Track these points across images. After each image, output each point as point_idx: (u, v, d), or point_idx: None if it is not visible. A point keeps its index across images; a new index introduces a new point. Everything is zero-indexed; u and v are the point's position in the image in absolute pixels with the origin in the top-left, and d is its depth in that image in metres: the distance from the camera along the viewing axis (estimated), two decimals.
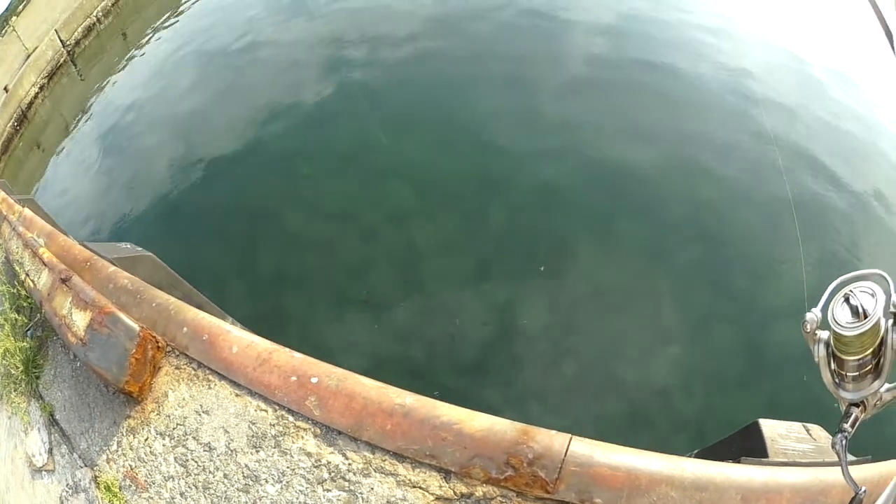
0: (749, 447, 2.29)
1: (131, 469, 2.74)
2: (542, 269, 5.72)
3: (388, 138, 6.90)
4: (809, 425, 2.51)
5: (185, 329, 2.33)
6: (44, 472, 3.27)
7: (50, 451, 3.28)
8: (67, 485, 3.08)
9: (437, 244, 5.99)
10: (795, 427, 2.45)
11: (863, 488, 1.22)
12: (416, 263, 5.89)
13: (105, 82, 10.69)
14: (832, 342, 1.17)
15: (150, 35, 11.69)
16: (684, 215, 6.21)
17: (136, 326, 2.47)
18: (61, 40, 11.82)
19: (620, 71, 7.98)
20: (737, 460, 2.10)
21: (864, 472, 1.87)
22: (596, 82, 7.76)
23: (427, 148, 6.93)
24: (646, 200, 6.34)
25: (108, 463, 2.85)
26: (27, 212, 4.13)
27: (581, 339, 5.40)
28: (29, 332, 3.56)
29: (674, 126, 7.17)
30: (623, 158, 6.71)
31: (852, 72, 9.48)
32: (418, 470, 1.94)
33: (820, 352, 1.21)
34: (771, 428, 2.38)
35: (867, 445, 2.13)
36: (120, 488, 2.76)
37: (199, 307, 2.46)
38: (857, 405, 1.22)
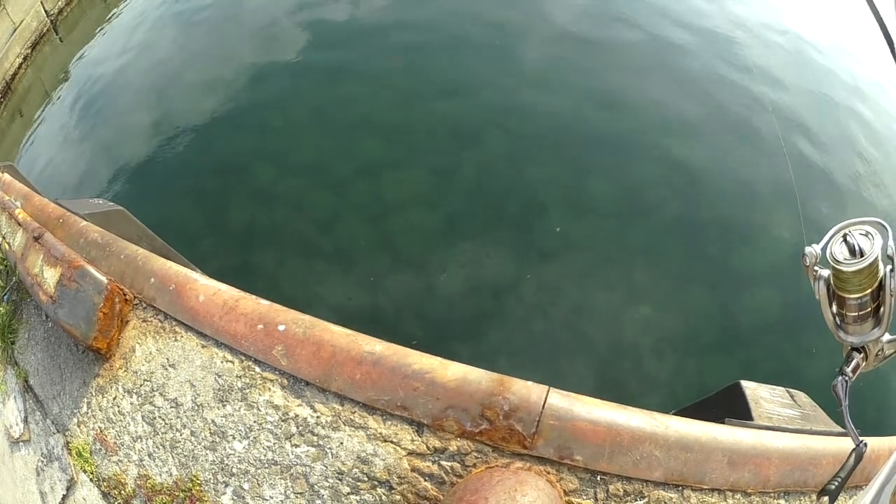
0: (732, 409, 2.24)
1: (101, 431, 2.67)
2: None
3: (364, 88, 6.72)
4: (793, 391, 2.46)
5: (152, 280, 2.24)
6: (21, 444, 3.20)
7: (25, 420, 3.21)
8: (42, 454, 3.03)
9: (407, 198, 5.87)
10: (779, 391, 2.40)
11: (863, 441, 1.19)
12: (385, 217, 5.79)
13: (85, 47, 10.50)
14: (832, 280, 1.20)
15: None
16: (659, 175, 6.11)
17: (104, 279, 2.38)
18: (46, 10, 11.63)
19: (598, 29, 7.82)
20: (720, 421, 2.04)
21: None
22: (574, 39, 7.60)
23: (398, 101, 6.79)
24: (620, 159, 6.22)
25: (78, 427, 2.79)
26: (6, 176, 4.05)
27: (551, 297, 5.31)
28: (5, 296, 3.47)
29: (651, 85, 7.03)
30: (598, 116, 6.57)
31: (841, 35, 9.42)
32: (389, 423, 1.86)
33: (820, 289, 1.23)
34: (753, 390, 2.33)
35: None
36: (90, 453, 2.70)
37: (168, 259, 2.37)
38: (858, 350, 1.25)
